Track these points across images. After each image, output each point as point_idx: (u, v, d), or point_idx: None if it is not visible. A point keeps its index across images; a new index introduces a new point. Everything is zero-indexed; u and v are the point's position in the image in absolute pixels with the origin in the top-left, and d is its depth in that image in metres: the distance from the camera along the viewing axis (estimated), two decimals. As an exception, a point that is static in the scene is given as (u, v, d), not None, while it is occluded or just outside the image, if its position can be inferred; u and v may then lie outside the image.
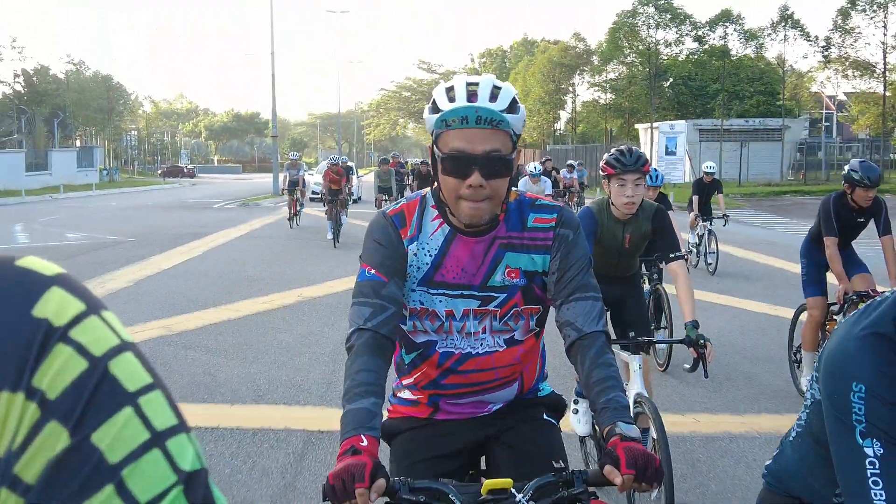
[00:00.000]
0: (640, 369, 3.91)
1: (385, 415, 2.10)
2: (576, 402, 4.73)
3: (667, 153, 39.92)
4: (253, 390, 6.24)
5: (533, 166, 14.37)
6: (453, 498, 1.84)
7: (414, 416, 2.25)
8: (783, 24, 43.87)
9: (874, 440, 1.47)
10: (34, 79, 56.29)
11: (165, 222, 22.54)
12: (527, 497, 1.84)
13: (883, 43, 42.84)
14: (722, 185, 14.08)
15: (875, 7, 42.40)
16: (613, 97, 57.02)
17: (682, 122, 44.60)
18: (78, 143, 63.62)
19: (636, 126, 53.56)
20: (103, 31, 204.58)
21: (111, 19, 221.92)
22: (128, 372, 0.63)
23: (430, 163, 2.12)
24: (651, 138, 45.63)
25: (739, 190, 38.62)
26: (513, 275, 2.10)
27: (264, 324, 8.63)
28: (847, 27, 43.24)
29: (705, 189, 13.67)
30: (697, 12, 77.82)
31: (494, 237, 2.09)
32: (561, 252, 2.09)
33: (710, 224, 13.43)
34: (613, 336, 4.34)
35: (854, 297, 5.80)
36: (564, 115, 70.45)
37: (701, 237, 13.61)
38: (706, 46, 47.38)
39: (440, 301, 2.11)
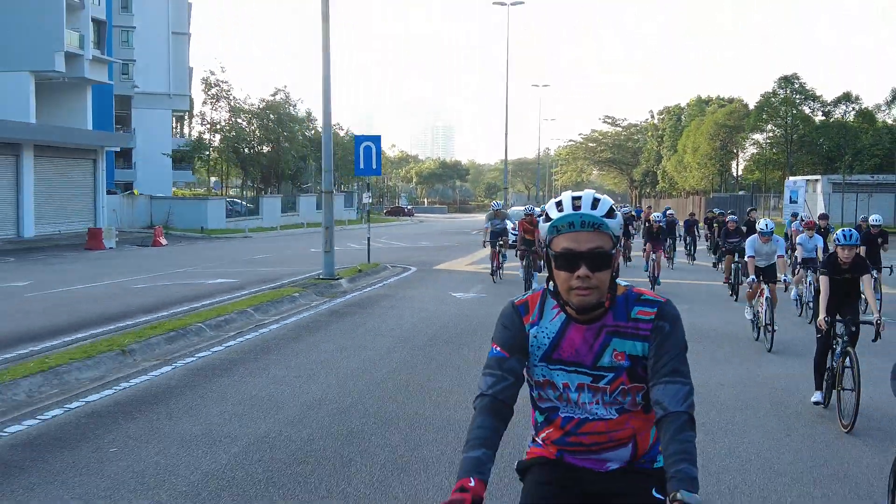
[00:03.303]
0: None
1: (524, 457, 2.85)
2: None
3: (791, 202, 54.08)
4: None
5: (764, 223, 12.56)
6: None
7: (545, 456, 2.80)
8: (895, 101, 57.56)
9: None
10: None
11: (456, 240, 40.50)
12: None
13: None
14: (887, 236, 15.91)
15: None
16: (771, 154, 70.91)
17: (802, 177, 58.72)
18: (340, 188, 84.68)
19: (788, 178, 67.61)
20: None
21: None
22: None
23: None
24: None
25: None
26: (619, 357, 2.59)
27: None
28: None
29: (871, 240, 15.24)
30: (825, 93, 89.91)
31: (603, 325, 2.60)
32: (658, 341, 2.55)
33: (876, 273, 14.35)
34: None
35: None
36: (737, 164, 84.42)
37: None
38: (832, 120, 61.24)
39: (558, 375, 2.65)
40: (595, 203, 2.53)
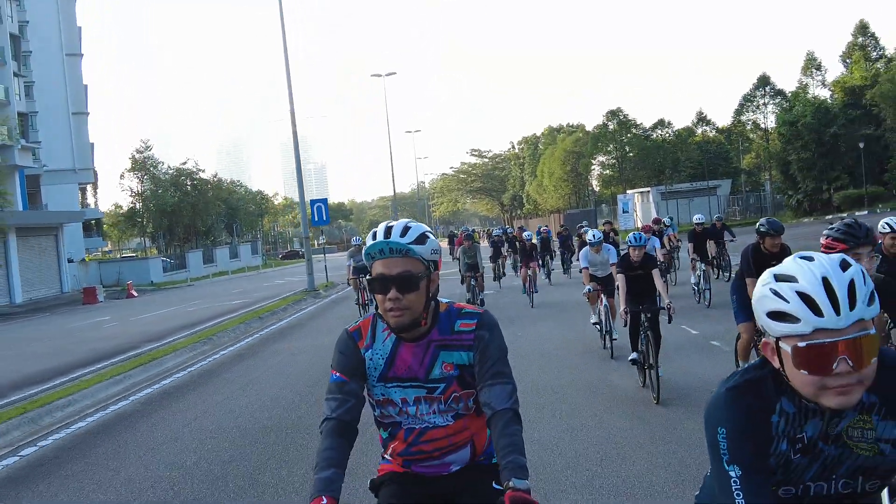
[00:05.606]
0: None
1: (376, 474, 3.17)
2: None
3: (623, 212, 68.54)
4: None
5: (592, 234, 13.06)
6: None
7: (394, 471, 3.12)
8: (700, 123, 73.34)
9: (735, 465, 2.14)
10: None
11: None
12: None
13: (765, 129, 71.75)
14: (725, 231, 19.13)
15: (756, 107, 71.55)
16: (612, 172, 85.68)
17: (634, 191, 73.76)
18: (235, 239, 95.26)
19: (627, 192, 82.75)
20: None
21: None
22: None
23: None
24: (636, 202, 74.74)
25: (683, 228, 67.02)
26: (448, 368, 2.89)
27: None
28: (740, 120, 72.45)
29: (698, 237, 17.29)
30: (645, 120, 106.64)
31: (430, 341, 2.90)
32: (480, 348, 2.87)
33: (704, 266, 16.48)
34: None
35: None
36: (588, 184, 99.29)
37: (699, 277, 16.56)
38: (652, 142, 76.63)
39: (395, 392, 2.93)
40: (405, 231, 2.83)
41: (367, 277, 2.87)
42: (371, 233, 2.88)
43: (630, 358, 9.61)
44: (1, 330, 30.60)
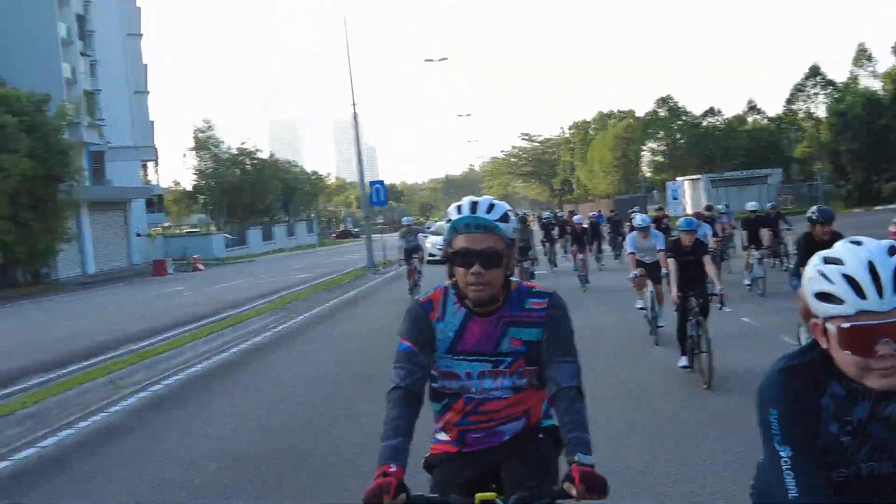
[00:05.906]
0: None
1: (429, 451, 3.24)
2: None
3: (673, 199, 69.41)
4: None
5: (640, 218, 12.98)
6: None
7: (447, 452, 3.18)
8: (750, 111, 73.80)
9: (786, 446, 2.16)
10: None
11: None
12: None
13: (816, 119, 72.02)
14: (780, 220, 18.78)
15: (807, 97, 71.82)
16: (663, 159, 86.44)
17: (684, 177, 74.56)
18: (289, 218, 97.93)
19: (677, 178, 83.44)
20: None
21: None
22: None
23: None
24: (686, 189, 75.57)
25: (738, 216, 67.66)
26: (516, 343, 2.98)
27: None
28: (791, 109, 72.80)
29: (752, 224, 17.34)
30: (695, 108, 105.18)
31: (500, 316, 2.98)
32: (551, 326, 2.95)
33: (758, 253, 16.60)
34: None
35: None
36: (639, 170, 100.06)
37: (751, 265, 16.71)
38: (702, 129, 77.26)
39: (461, 364, 3.01)
40: (490, 208, 2.90)
41: (452, 251, 2.91)
42: (455, 206, 2.96)
43: (680, 365, 9.56)
44: (85, 297, 33.07)
